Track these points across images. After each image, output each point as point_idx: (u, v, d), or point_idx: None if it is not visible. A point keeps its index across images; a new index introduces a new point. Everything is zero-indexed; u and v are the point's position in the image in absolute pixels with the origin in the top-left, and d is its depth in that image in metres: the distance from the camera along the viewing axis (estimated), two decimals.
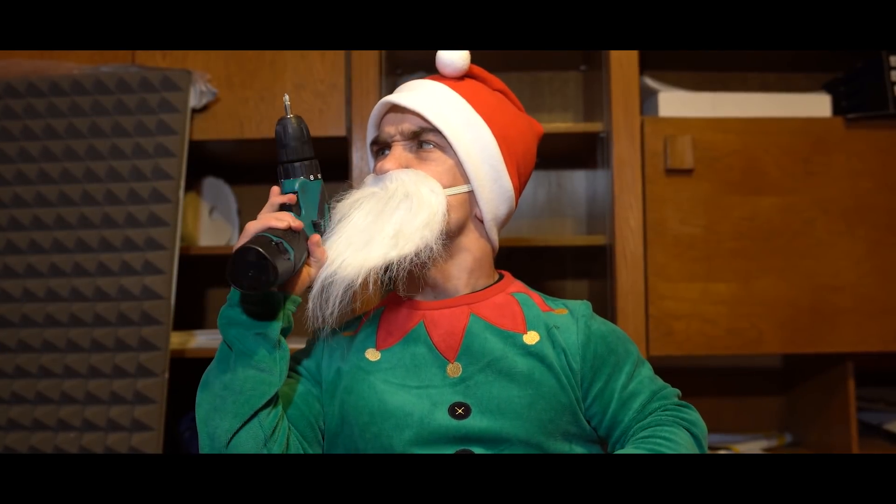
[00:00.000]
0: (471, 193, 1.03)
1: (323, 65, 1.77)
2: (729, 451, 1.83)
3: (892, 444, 1.81)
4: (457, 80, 1.06)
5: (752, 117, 1.73)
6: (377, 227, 0.93)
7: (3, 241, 1.68)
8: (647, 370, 1.04)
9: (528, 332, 1.00)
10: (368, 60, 1.75)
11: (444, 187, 1.00)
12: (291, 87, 1.78)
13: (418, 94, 1.02)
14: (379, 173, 1.01)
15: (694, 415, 1.00)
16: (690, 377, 2.04)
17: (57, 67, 1.73)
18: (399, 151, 1.02)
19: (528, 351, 0.98)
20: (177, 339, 1.78)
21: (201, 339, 1.84)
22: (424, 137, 1.01)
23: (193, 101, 1.73)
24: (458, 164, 1.02)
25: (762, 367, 2.07)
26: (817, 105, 1.77)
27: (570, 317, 1.03)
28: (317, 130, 1.75)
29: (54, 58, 1.76)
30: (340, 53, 1.78)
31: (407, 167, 1.00)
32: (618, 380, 1.00)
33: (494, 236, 1.07)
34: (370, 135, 1.09)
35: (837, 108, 1.78)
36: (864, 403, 1.99)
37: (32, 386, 1.61)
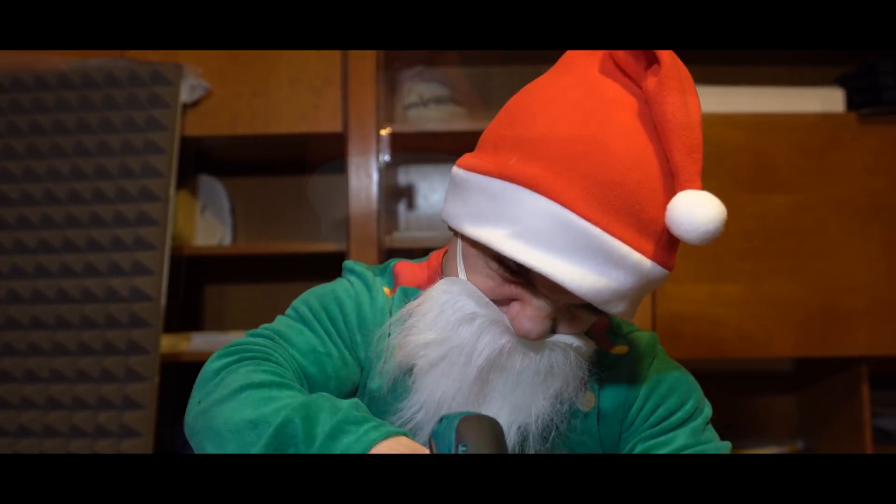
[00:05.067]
0: None
1: (318, 59, 1.75)
2: None
3: None
4: None
5: (762, 112, 1.73)
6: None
7: None
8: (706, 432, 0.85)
9: (585, 393, 0.81)
10: (365, 55, 1.74)
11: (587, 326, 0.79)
12: (286, 82, 1.75)
13: (628, 291, 0.70)
14: (525, 335, 0.73)
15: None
16: (698, 381, 2.02)
17: (43, 61, 1.72)
18: (548, 311, 0.73)
19: (581, 419, 0.81)
20: (168, 342, 1.76)
21: (197, 342, 1.82)
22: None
23: (185, 95, 1.72)
24: None
25: (773, 371, 2.07)
26: (830, 100, 1.77)
27: (630, 359, 0.84)
28: (311, 127, 1.74)
29: (40, 51, 1.74)
30: None
31: (550, 328, 0.75)
32: (668, 444, 0.81)
33: None
34: (530, 256, 0.69)
35: (851, 103, 1.78)
36: (878, 408, 1.96)
37: (18, 390, 1.60)
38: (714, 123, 1.69)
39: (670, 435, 0.80)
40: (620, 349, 0.84)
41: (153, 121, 1.69)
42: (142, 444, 1.53)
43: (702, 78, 1.91)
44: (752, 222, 1.70)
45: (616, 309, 0.70)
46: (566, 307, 0.73)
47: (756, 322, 1.69)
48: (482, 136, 0.76)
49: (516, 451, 0.76)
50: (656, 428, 0.81)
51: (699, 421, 0.82)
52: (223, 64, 1.76)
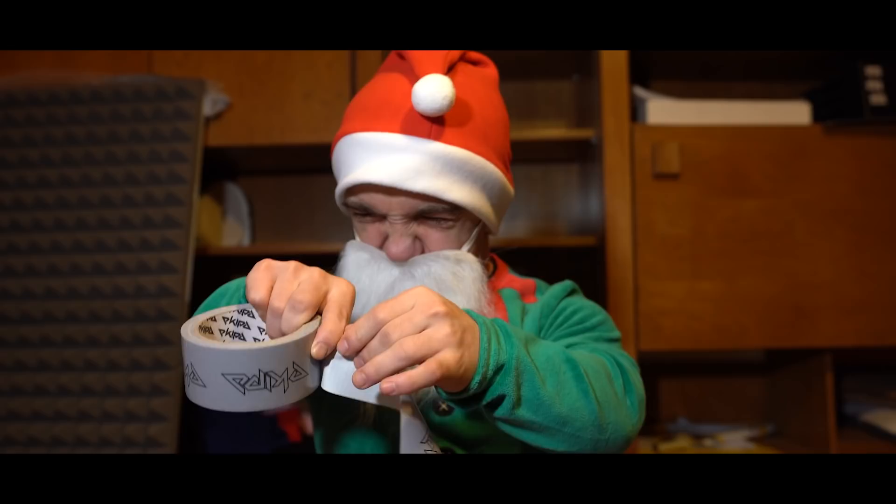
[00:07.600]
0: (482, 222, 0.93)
1: (329, 74, 1.84)
2: (714, 440, 1.91)
3: (869, 435, 1.88)
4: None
5: (736, 124, 1.78)
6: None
7: (27, 242, 1.76)
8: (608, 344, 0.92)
9: None
10: (372, 70, 1.81)
11: (464, 243, 0.91)
12: (300, 97, 1.84)
13: (419, 166, 0.83)
14: (394, 258, 0.87)
15: (623, 358, 0.85)
16: (678, 370, 2.13)
17: (77, 77, 1.79)
18: (403, 231, 0.88)
19: None
20: None
21: None
22: (433, 214, 0.87)
23: (207, 109, 1.80)
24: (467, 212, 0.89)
25: (746, 361, 2.13)
26: (798, 113, 1.82)
27: (546, 297, 0.96)
28: (323, 137, 1.82)
29: (74, 68, 1.83)
30: (345, 63, 1.85)
31: (417, 247, 0.89)
32: (573, 343, 0.89)
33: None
34: (346, 177, 0.87)
35: (817, 116, 1.84)
36: (848, 395, 2.04)
37: (54, 379, 1.68)
38: (692, 134, 1.76)
39: (579, 337, 0.89)
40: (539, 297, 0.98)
41: (178, 132, 1.77)
42: (168, 429, 1.61)
43: (682, 93, 2.04)
44: (726, 225, 1.75)
45: (420, 184, 0.83)
46: (421, 228, 0.87)
47: (730, 316, 1.73)
48: None
49: None
50: (564, 327, 0.91)
51: (601, 333, 0.91)
52: (243, 80, 1.84)
